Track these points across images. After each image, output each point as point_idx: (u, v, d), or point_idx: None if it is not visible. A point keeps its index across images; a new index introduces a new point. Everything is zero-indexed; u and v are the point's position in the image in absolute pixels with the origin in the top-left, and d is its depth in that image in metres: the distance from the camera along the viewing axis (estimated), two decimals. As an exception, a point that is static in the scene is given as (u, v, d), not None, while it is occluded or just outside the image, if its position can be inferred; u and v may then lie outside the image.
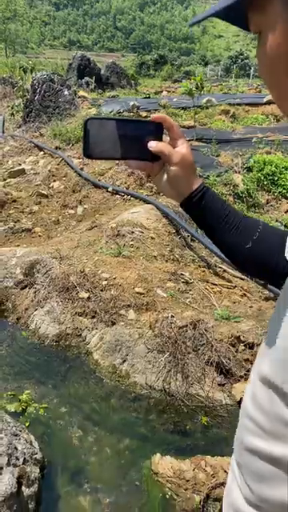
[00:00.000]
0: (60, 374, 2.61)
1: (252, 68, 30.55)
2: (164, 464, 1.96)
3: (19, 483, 1.70)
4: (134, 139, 0.74)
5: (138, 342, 2.64)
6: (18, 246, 3.92)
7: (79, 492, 1.90)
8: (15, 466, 1.73)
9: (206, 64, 39.23)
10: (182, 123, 6.57)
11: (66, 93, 8.87)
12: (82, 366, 2.65)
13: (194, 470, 1.92)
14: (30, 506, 1.72)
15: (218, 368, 2.46)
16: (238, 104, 9.43)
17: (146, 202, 4.25)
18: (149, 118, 0.76)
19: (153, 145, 0.74)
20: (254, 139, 5.53)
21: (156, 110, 8.74)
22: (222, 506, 0.79)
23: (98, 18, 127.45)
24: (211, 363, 2.48)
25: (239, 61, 34.79)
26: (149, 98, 11.00)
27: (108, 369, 2.58)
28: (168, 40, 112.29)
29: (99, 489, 1.92)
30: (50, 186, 5.86)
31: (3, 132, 9.23)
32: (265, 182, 4.76)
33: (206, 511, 1.82)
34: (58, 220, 4.61)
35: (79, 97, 9.50)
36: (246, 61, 34.71)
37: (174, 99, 10.12)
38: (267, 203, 4.72)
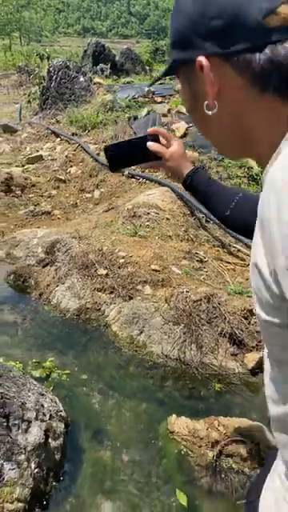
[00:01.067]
0: (81, 344, 2.76)
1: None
2: (179, 424, 2.10)
3: (46, 436, 1.85)
4: (140, 149, 1.05)
5: (154, 314, 2.76)
6: (39, 227, 4.07)
7: (100, 448, 2.05)
8: (42, 420, 1.88)
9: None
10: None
11: (81, 79, 8.94)
12: (101, 338, 2.80)
13: (207, 429, 2.05)
14: (56, 457, 1.88)
15: (230, 339, 2.57)
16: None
17: (161, 184, 4.34)
18: (146, 133, 1.09)
19: (150, 146, 1.05)
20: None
21: (171, 95, 8.73)
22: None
23: (112, 3, 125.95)
24: (224, 334, 2.59)
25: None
26: (164, 83, 10.97)
27: (126, 339, 2.72)
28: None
29: (119, 446, 2.06)
30: (68, 171, 5.99)
31: (20, 120, 9.38)
32: (279, 164, 4.79)
33: (219, 466, 1.95)
34: (76, 203, 4.74)
35: (95, 83, 9.55)
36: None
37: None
38: (282, 185, 4.75)
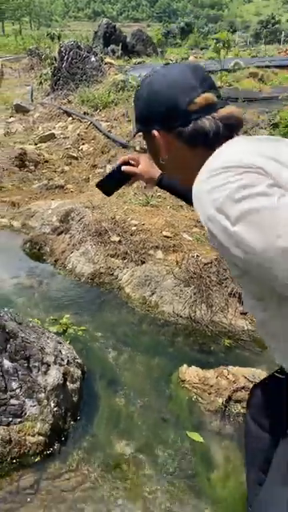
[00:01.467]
0: (95, 305, 2.87)
1: (283, 33, 29.28)
2: (190, 373, 2.19)
3: (64, 379, 1.97)
4: (119, 175, 1.39)
5: (165, 277, 2.85)
6: (53, 199, 4.17)
7: (115, 395, 2.16)
8: (60, 365, 2.00)
9: (234, 31, 37.79)
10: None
11: (92, 59, 8.93)
12: (114, 299, 2.90)
13: (217, 377, 2.15)
14: (73, 399, 1.99)
15: (240, 299, 2.65)
16: (267, 66, 9.23)
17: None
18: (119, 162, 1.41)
19: (124, 169, 1.37)
20: (280, 96, 5.51)
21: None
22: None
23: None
24: (234, 294, 2.67)
25: (270, 26, 33.39)
26: (176, 63, 10.84)
27: (139, 300, 2.82)
28: (194, 7, 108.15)
29: (132, 393, 2.17)
30: (80, 148, 6.05)
31: (32, 101, 9.43)
32: (291, 138, 4.78)
33: (228, 411, 2.05)
34: (89, 178, 4.82)
35: (106, 63, 9.53)
36: (277, 25, 33.27)
37: (201, 63, 9.99)
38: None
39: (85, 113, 7.18)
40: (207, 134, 0.92)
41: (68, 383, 1.98)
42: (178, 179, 1.13)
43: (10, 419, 1.74)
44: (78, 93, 8.12)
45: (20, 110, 8.16)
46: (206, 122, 0.93)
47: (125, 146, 5.29)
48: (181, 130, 0.95)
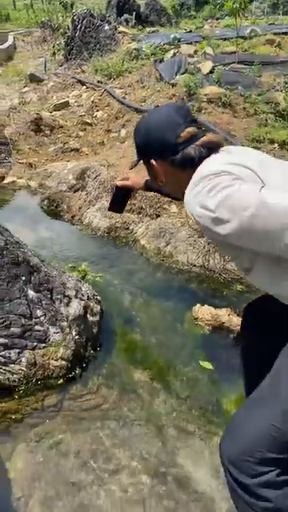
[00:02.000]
0: (111, 256, 2.97)
1: (302, 2, 28.15)
2: (203, 311, 2.30)
3: (85, 311, 2.08)
4: (121, 193, 1.79)
5: (180, 229, 2.93)
6: (68, 161, 4.24)
7: (132, 332, 2.28)
8: (81, 299, 2.11)
9: (251, 0, 36.43)
10: (223, 49, 6.47)
11: (106, 28, 8.82)
12: (130, 251, 3.00)
13: (228, 315, 2.25)
14: (93, 331, 2.11)
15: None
16: (285, 33, 8.99)
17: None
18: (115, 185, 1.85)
19: (120, 184, 1.79)
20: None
21: (197, 42, 8.52)
22: None
23: None
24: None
25: (288, -5, 32.14)
26: (190, 32, 10.65)
27: (153, 251, 2.91)
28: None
29: (148, 331, 2.29)
30: (94, 115, 6.07)
31: (45, 72, 9.39)
32: (307, 100, 4.73)
33: (239, 345, 2.15)
34: (103, 141, 4.87)
35: (119, 32, 9.40)
36: (295, -5, 32.00)
37: (217, 31, 9.77)
38: (309, 121, 4.71)
39: (99, 81, 7.15)
40: (193, 159, 1.20)
41: (88, 316, 2.10)
42: (170, 192, 1.48)
43: (35, 344, 1.87)
44: (92, 62, 8.07)
45: (34, 79, 8.15)
46: (191, 150, 1.21)
47: (139, 111, 5.30)
48: (173, 159, 1.24)
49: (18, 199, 3.87)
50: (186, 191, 1.16)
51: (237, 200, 1.04)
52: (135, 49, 8.12)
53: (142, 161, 1.37)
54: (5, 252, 1.91)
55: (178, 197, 1.56)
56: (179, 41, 8.66)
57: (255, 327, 1.55)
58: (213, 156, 1.20)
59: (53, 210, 3.57)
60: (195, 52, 6.14)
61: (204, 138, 1.24)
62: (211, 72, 5.23)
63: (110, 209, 1.91)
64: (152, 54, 7.52)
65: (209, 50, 6.12)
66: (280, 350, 1.22)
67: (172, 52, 6.38)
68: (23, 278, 1.93)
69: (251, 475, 1.10)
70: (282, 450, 1.10)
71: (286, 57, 6.17)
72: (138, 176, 1.92)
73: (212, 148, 1.22)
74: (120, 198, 1.89)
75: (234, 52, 6.19)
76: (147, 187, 1.88)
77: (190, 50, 6.14)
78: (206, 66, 5.26)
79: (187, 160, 1.21)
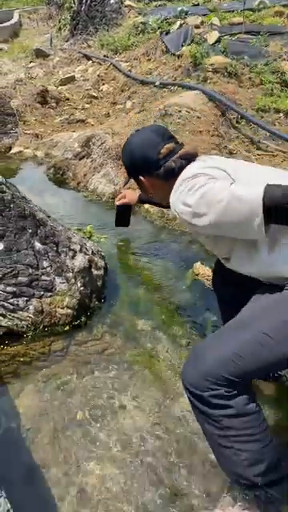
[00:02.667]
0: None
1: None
2: (204, 268, 2.36)
3: (90, 265, 2.16)
4: (122, 209, 2.36)
5: (183, 192, 2.97)
6: (74, 131, 4.27)
7: (135, 287, 2.35)
8: (86, 254, 2.18)
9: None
10: (231, 20, 6.36)
11: (112, 1, 8.69)
12: (134, 215, 3.04)
13: (229, 271, 2.31)
14: (98, 283, 2.19)
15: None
16: (294, 5, 8.78)
17: (193, 89, 4.38)
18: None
19: (118, 203, 2.42)
20: (306, 28, 5.32)
21: (205, 14, 8.38)
22: None
23: None
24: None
25: None
26: (198, 5, 10.45)
27: (157, 214, 2.97)
28: None
29: (150, 287, 2.36)
30: (100, 89, 6.05)
31: (51, 47, 9.31)
32: (314, 70, 4.68)
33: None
34: (109, 113, 4.88)
35: (125, 6, 9.25)
36: None
37: (225, 4, 9.57)
38: (315, 91, 4.67)
39: (105, 56, 7.10)
40: (174, 170, 1.40)
41: (93, 269, 2.18)
42: (160, 201, 1.62)
43: (42, 293, 1.95)
44: (98, 37, 7.99)
45: (40, 54, 8.10)
46: (172, 163, 1.41)
47: (144, 83, 5.28)
48: (157, 173, 1.45)
49: (24, 169, 3.93)
50: (171, 194, 1.36)
51: (211, 196, 1.21)
52: (142, 22, 8.00)
53: (132, 179, 1.60)
54: (12, 205, 1.97)
55: (168, 205, 1.84)
56: (186, 14, 8.51)
57: (225, 287, 1.72)
58: (191, 164, 1.40)
59: (58, 177, 3.63)
60: (202, 23, 6.06)
61: (181, 151, 1.44)
62: (217, 42, 5.18)
63: (116, 225, 2.40)
64: (158, 28, 7.42)
65: (215, 21, 6.03)
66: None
67: (178, 23, 6.29)
68: (30, 231, 2.00)
69: (209, 389, 1.19)
70: (239, 376, 1.18)
71: (295, 27, 6.06)
72: (133, 192, 2.34)
73: (189, 158, 1.42)
74: (123, 214, 2.33)
75: (241, 23, 6.09)
76: (141, 200, 2.30)
77: (196, 21, 6.05)
78: (212, 36, 5.20)
79: (169, 172, 1.41)
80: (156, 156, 1.43)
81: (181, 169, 1.38)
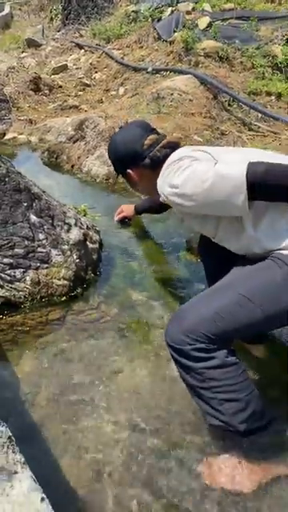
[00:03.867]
0: (110, 200, 3.07)
1: None
2: (196, 242, 2.40)
3: (85, 238, 2.20)
4: (123, 220, 2.55)
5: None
6: (67, 117, 4.29)
7: (130, 261, 2.39)
8: (81, 228, 2.23)
9: None
10: (222, 6, 6.37)
11: (103, -10, 8.65)
12: (129, 195, 3.08)
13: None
14: (93, 257, 2.24)
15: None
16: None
17: (185, 73, 4.40)
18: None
19: (118, 218, 2.59)
20: (296, 12, 5.35)
21: (196, 2, 8.36)
22: None
23: None
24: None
25: None
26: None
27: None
28: None
29: (146, 260, 2.41)
30: (93, 77, 6.05)
31: (43, 37, 9.27)
32: (305, 53, 4.71)
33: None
34: (102, 99, 4.90)
35: (117, -5, 9.21)
36: None
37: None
38: (306, 74, 4.70)
39: (97, 45, 7.09)
40: (159, 158, 1.47)
41: (88, 243, 2.22)
42: (149, 192, 1.71)
43: (38, 264, 2.00)
44: (90, 26, 7.97)
45: (32, 44, 8.07)
46: (156, 152, 1.49)
47: (137, 70, 5.29)
48: (143, 163, 1.52)
49: (19, 154, 3.95)
50: (158, 179, 1.41)
51: (197, 176, 1.26)
52: (133, 11, 7.98)
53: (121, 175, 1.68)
54: (7, 179, 2.01)
55: (163, 208, 2.16)
56: (178, 2, 8.49)
57: (210, 255, 1.76)
58: (176, 151, 1.45)
59: (53, 161, 3.65)
60: (193, 9, 6.06)
61: (165, 141, 1.52)
62: (209, 27, 5.20)
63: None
64: (150, 16, 7.41)
65: (207, 7, 6.04)
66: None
67: (170, 10, 6.30)
68: (25, 204, 2.04)
69: (189, 344, 1.24)
70: (219, 334, 1.23)
71: (286, 12, 6.08)
72: (129, 206, 2.49)
73: (173, 147, 1.49)
74: (123, 224, 2.57)
75: (233, 9, 6.10)
76: (138, 212, 2.44)
77: (187, 8, 6.05)
78: (204, 21, 5.22)
79: (155, 160, 1.49)
80: (141, 147, 1.51)
81: (166, 157, 1.44)
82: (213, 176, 1.22)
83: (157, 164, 1.47)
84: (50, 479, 1.33)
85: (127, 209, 2.52)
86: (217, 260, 1.64)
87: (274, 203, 1.26)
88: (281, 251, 1.26)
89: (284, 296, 1.21)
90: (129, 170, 1.59)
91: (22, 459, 0.96)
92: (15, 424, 1.51)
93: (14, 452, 0.96)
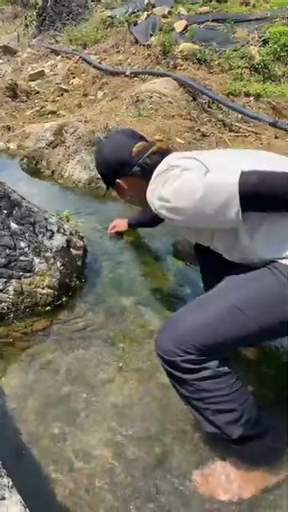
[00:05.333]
0: (93, 205, 3.01)
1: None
2: (184, 245, 2.37)
3: (68, 245, 2.13)
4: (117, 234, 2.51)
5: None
6: (46, 122, 4.22)
7: (116, 267, 2.34)
8: (64, 234, 2.16)
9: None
10: (197, 10, 6.41)
11: (78, -4, 8.63)
12: (112, 200, 3.02)
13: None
14: (77, 263, 2.17)
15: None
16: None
17: (164, 76, 4.39)
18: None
19: (112, 233, 2.56)
20: (269, 14, 5.41)
21: (172, 6, 8.41)
22: None
23: None
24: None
25: None
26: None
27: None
28: None
29: (132, 265, 2.36)
30: (70, 82, 6.00)
31: (19, 43, 9.18)
32: (281, 54, 4.76)
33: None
34: (80, 104, 4.84)
35: (92, 0, 9.20)
36: None
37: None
38: (283, 75, 4.76)
39: (74, 50, 7.04)
40: (149, 165, 1.40)
41: (72, 250, 2.15)
42: (140, 203, 1.55)
43: (21, 273, 1.92)
44: (66, 32, 7.92)
45: (7, 51, 7.98)
46: (146, 159, 1.42)
47: (114, 74, 5.26)
48: (133, 172, 1.45)
49: (-3, 161, 3.87)
50: (147, 191, 1.34)
51: (187, 187, 1.19)
52: (109, 16, 7.98)
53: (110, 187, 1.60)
54: (-15, 186, 1.94)
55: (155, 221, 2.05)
56: (153, 6, 8.51)
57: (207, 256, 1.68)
58: (166, 157, 1.38)
59: (32, 167, 3.58)
60: (169, 13, 6.09)
61: (154, 147, 1.44)
62: (185, 30, 5.21)
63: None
64: (126, 21, 7.41)
65: (182, 11, 6.07)
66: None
67: (145, 14, 6.31)
68: (5, 212, 1.96)
69: (180, 355, 1.19)
70: (209, 345, 1.18)
71: (260, 14, 6.15)
72: (122, 220, 2.46)
73: (162, 153, 1.41)
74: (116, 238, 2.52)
75: (208, 12, 6.16)
76: (131, 225, 2.41)
77: (163, 11, 6.08)
78: (180, 25, 5.24)
79: (144, 168, 1.42)
80: (129, 155, 1.44)
81: (155, 164, 1.36)
82: (204, 187, 1.15)
83: (147, 172, 1.39)
84: (40, 499, 1.26)
85: (120, 223, 2.46)
86: (214, 260, 1.59)
87: (269, 213, 1.20)
88: (278, 261, 1.20)
89: (278, 308, 1.15)
90: (118, 180, 1.51)
91: (10, 483, 0.90)
92: (2, 442, 1.44)
93: (1, 476, 0.90)
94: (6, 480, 0.88)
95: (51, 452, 1.41)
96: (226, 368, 1.21)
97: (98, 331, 1.90)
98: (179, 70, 4.52)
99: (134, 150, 1.44)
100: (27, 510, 0.84)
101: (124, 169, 1.46)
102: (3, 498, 0.84)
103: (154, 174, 1.33)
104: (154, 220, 2.05)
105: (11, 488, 0.86)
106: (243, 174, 1.13)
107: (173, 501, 1.25)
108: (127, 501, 1.26)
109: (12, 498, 0.85)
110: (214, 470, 1.29)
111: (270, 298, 1.17)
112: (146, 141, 1.52)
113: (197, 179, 1.18)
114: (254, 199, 1.13)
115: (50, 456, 1.40)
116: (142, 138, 1.53)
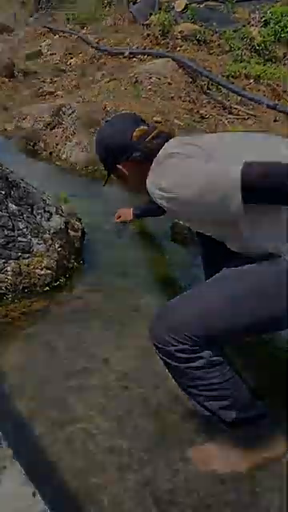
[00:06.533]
0: (91, 187, 3.01)
1: None
2: (182, 227, 2.38)
3: (66, 227, 2.14)
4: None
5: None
6: (44, 103, 4.17)
7: (114, 249, 2.36)
8: (61, 216, 2.16)
9: None
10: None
11: (76, -27, 8.41)
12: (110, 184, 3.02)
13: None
14: (76, 245, 2.19)
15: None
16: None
17: (163, 57, 4.33)
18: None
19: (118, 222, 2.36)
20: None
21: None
22: None
23: None
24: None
25: None
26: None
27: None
28: None
29: (130, 247, 2.37)
30: (68, 63, 5.92)
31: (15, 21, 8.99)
32: (282, 35, 4.69)
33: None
34: (78, 84, 4.78)
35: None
36: None
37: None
38: (284, 56, 4.69)
39: (71, 29, 6.91)
40: (151, 150, 1.33)
41: (70, 231, 2.16)
42: (142, 189, 1.44)
43: (19, 254, 1.93)
44: (63, 11, 7.76)
45: (4, 30, 7.83)
46: (147, 143, 1.35)
47: (113, 54, 5.18)
48: (134, 156, 1.37)
49: (-6, 143, 3.83)
50: (147, 179, 1.29)
51: (187, 177, 1.16)
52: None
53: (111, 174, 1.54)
54: (-17, 167, 1.93)
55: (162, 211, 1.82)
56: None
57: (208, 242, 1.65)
58: (166, 143, 1.33)
59: (30, 149, 3.55)
60: (169, -9, 5.95)
61: (155, 131, 1.39)
62: (185, 9, 5.11)
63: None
64: None
65: (183, -10, 5.94)
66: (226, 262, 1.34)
67: (145, -8, 6.16)
68: (3, 192, 1.96)
69: (173, 345, 1.20)
70: (203, 336, 1.18)
71: (262, -6, 6.03)
72: (127, 210, 2.36)
73: (164, 137, 1.36)
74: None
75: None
76: (136, 215, 2.29)
77: (163, -10, 5.94)
78: (180, 4, 5.14)
79: (146, 152, 1.35)
80: (130, 139, 1.38)
81: (157, 149, 1.32)
82: (204, 178, 1.12)
83: (149, 156, 1.33)
84: (41, 472, 1.30)
85: (125, 213, 2.38)
86: (214, 247, 1.58)
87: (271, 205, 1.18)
88: (277, 253, 1.19)
89: (275, 300, 1.15)
90: (119, 166, 1.43)
91: (11, 453, 0.93)
92: (3, 416, 1.47)
93: (2, 447, 0.93)
94: (7, 450, 0.91)
95: (50, 428, 1.44)
96: (220, 358, 1.22)
97: (95, 312, 1.92)
98: (178, 50, 4.45)
99: (135, 134, 1.39)
100: (28, 478, 0.87)
101: (124, 153, 1.40)
102: (4, 467, 0.87)
103: (154, 162, 1.29)
104: (160, 208, 1.99)
105: (12, 458, 0.89)
106: (246, 165, 1.09)
107: (171, 478, 1.29)
108: (128, 476, 1.29)
109: (13, 468, 0.88)
110: (211, 446, 1.33)
111: (266, 291, 1.17)
112: (148, 125, 1.46)
113: (197, 169, 1.15)
114: (257, 192, 1.11)
115: (50, 432, 1.43)
116: (143, 122, 1.47)
